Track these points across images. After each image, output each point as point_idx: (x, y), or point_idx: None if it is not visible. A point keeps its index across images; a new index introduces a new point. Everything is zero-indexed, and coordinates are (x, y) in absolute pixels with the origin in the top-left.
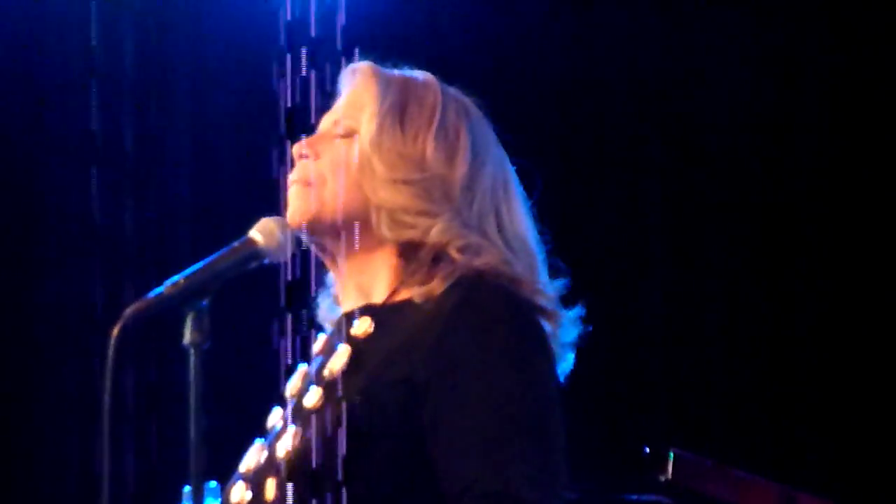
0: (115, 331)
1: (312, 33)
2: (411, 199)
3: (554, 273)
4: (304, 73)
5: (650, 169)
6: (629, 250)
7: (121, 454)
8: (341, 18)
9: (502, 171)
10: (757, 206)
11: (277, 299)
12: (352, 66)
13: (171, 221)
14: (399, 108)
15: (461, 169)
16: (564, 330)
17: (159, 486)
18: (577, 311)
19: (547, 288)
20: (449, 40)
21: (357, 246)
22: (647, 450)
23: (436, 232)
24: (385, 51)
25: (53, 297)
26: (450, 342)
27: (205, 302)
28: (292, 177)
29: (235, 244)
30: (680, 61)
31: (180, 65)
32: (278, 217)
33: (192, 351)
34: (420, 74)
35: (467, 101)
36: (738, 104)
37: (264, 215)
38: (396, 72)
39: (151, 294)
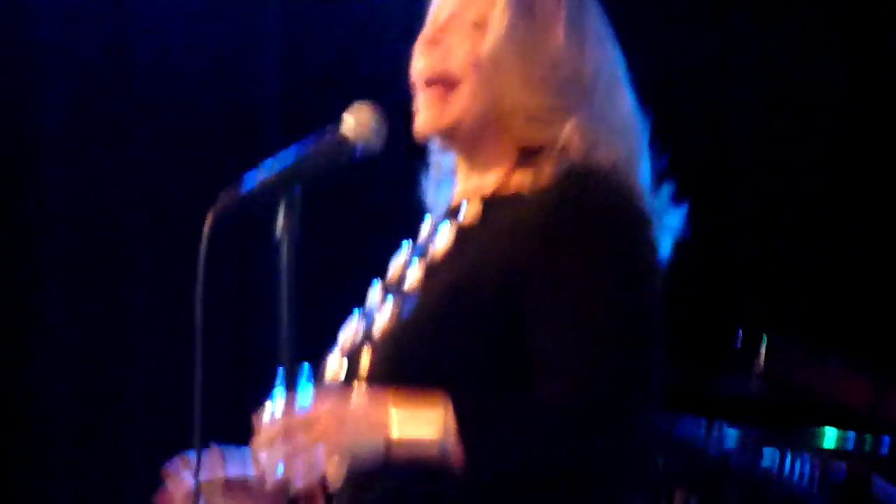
0: (209, 220)
1: None
2: (548, 98)
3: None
4: None
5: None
6: (721, 134)
7: (213, 341)
8: None
9: (616, 53)
10: (845, 93)
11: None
12: None
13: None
14: None
15: (591, 59)
16: (666, 215)
17: (253, 369)
18: (670, 191)
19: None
20: None
21: (486, 146)
22: (741, 336)
23: (569, 129)
24: None
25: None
26: (555, 234)
27: (297, 188)
28: (419, 67)
29: (328, 131)
30: None
31: None
32: (372, 104)
33: (285, 238)
34: None
35: None
36: None
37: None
38: None
39: (243, 182)
